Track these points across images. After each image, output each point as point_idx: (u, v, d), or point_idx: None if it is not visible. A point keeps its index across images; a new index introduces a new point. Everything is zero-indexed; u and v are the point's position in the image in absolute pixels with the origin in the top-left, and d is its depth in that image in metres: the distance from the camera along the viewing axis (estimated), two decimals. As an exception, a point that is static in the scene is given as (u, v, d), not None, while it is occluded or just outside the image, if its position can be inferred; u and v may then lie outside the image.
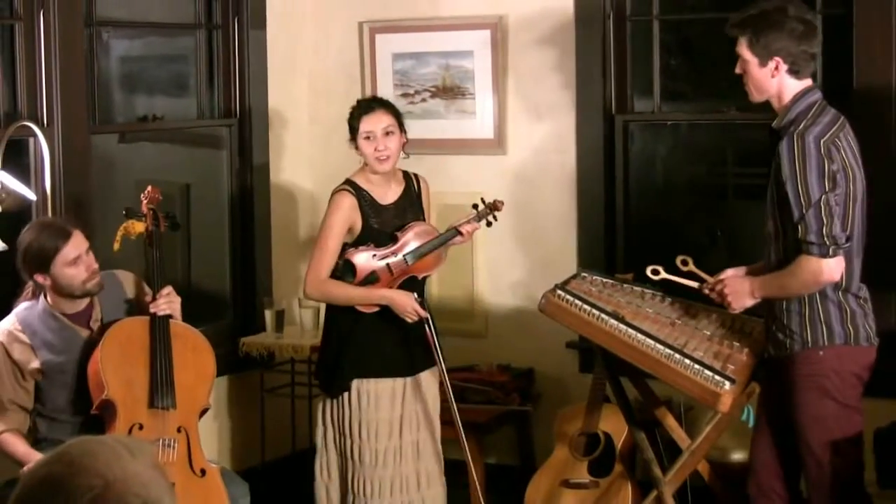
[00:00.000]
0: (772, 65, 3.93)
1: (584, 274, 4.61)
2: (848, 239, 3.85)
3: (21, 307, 4.28)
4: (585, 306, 4.16)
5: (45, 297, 4.23)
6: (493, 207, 4.58)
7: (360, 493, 4.57)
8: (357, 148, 4.59)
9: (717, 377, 3.88)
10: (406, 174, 4.71)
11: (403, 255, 4.52)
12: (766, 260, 4.04)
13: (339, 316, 4.60)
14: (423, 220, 4.66)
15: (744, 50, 3.98)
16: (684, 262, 4.18)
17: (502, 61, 5.73)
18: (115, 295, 4.36)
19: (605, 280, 4.56)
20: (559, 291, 4.24)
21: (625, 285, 4.53)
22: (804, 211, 3.78)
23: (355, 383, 4.55)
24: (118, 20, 5.55)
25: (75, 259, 4.15)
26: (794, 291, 3.91)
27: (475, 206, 4.61)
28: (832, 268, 3.81)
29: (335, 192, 4.60)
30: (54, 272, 4.15)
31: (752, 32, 3.95)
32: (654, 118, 5.65)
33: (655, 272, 4.21)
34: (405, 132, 4.64)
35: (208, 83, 5.87)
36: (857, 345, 3.91)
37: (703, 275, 4.15)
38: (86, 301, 4.27)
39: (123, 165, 5.64)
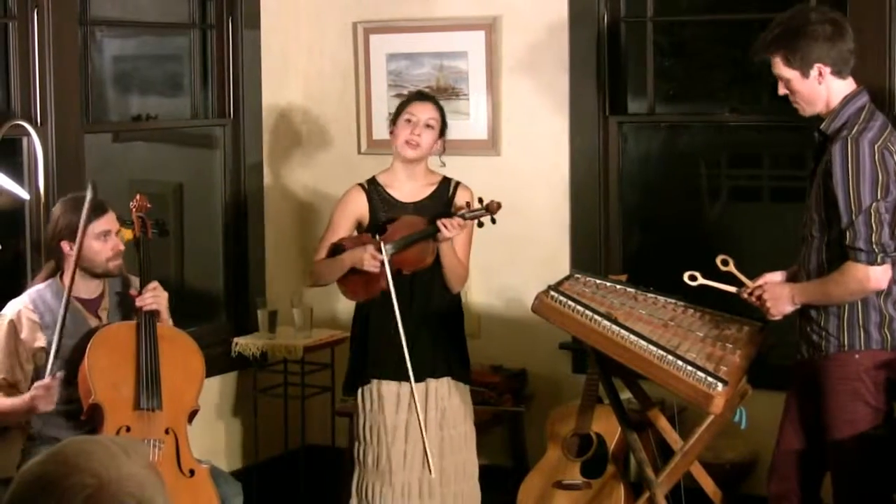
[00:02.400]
0: (814, 73, 3.88)
1: (577, 275, 4.60)
2: None
3: (35, 287, 4.33)
4: (578, 307, 4.16)
5: (61, 278, 4.29)
6: (488, 209, 4.45)
7: (365, 498, 4.56)
8: (392, 133, 4.62)
9: (709, 379, 3.87)
10: (445, 180, 4.66)
11: (385, 246, 4.46)
12: (803, 262, 4.01)
13: (356, 318, 4.65)
14: None
15: (782, 69, 3.91)
16: (724, 262, 4.13)
17: (496, 62, 5.73)
18: (123, 290, 4.41)
19: (598, 281, 4.56)
20: (552, 292, 4.24)
21: (618, 286, 4.53)
22: (853, 217, 3.76)
23: (362, 385, 4.59)
24: (112, 19, 5.54)
25: (105, 233, 4.25)
26: (837, 299, 3.88)
27: (468, 204, 4.51)
28: (879, 276, 3.79)
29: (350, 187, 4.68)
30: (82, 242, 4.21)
31: (784, 49, 3.88)
32: (648, 119, 5.66)
33: (693, 278, 4.15)
34: (444, 137, 4.64)
35: (202, 83, 5.86)
36: (892, 350, 3.90)
37: (742, 277, 4.09)
38: (99, 289, 4.34)
39: (117, 165, 5.63)
